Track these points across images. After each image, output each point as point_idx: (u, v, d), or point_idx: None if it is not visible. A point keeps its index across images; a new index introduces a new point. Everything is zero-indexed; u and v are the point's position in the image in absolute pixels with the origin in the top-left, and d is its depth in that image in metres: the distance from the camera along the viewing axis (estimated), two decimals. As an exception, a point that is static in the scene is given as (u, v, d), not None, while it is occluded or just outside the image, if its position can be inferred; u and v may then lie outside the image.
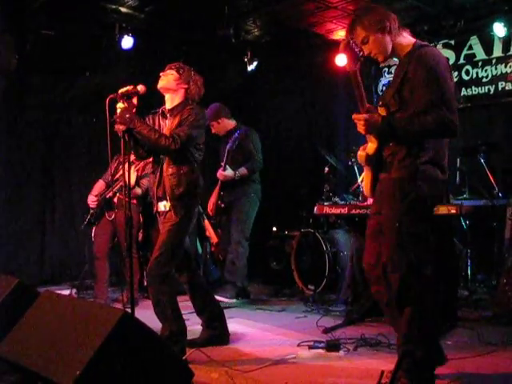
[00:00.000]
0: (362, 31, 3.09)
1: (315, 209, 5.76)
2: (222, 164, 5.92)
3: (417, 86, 2.94)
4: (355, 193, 5.59)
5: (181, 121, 3.92)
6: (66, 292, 6.08)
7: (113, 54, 6.75)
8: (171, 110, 4.05)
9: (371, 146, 3.11)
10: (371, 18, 3.08)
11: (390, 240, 3.02)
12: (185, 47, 7.02)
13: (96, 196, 5.77)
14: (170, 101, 4.06)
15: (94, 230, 5.77)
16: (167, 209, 3.98)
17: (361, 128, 3.06)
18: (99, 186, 5.86)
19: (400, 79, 3.04)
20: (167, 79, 4.03)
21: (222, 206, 6.03)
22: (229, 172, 5.90)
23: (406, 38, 3.15)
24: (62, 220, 6.26)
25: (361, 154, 3.22)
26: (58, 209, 7.04)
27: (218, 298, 5.32)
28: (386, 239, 3.04)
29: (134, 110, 3.71)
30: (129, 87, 3.69)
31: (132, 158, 5.62)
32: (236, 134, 5.84)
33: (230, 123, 6.08)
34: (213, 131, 6.03)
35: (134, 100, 3.71)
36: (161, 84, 4.05)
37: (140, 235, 6.22)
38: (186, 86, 4.03)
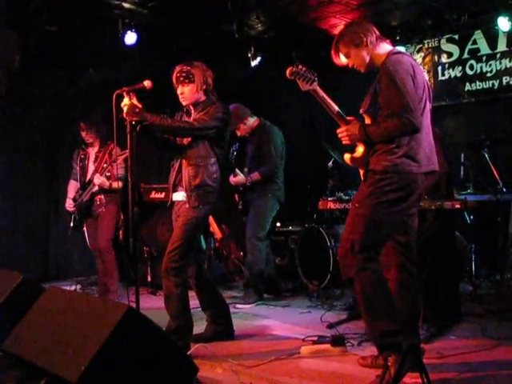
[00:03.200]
0: (344, 47, 3.46)
1: (319, 204, 5.75)
2: (246, 169, 5.80)
3: (382, 94, 3.25)
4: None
5: (203, 114, 4.01)
6: (71, 288, 6.09)
7: (116, 50, 6.74)
8: (195, 106, 4.09)
9: (359, 149, 3.39)
10: (349, 35, 3.42)
11: (348, 219, 3.37)
12: (188, 43, 7.01)
13: (73, 199, 5.66)
14: (188, 100, 4.10)
15: (85, 231, 5.70)
16: (183, 199, 4.01)
17: (345, 141, 3.39)
18: (73, 187, 5.75)
19: (374, 88, 3.33)
20: (189, 95, 4.04)
21: (240, 207, 5.90)
22: (240, 178, 5.72)
23: (383, 49, 3.41)
24: (66, 216, 6.27)
25: (346, 156, 3.48)
26: (61, 204, 7.03)
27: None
28: (348, 219, 3.37)
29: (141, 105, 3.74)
30: (129, 92, 3.70)
31: (93, 151, 5.66)
32: (255, 137, 5.75)
33: (254, 121, 5.88)
34: (239, 134, 5.86)
35: (134, 100, 3.71)
36: (185, 102, 4.08)
37: (121, 233, 6.18)
38: (204, 87, 4.06)
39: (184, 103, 4.11)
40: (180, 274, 3.93)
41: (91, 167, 5.62)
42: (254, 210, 5.75)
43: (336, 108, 3.43)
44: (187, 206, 3.97)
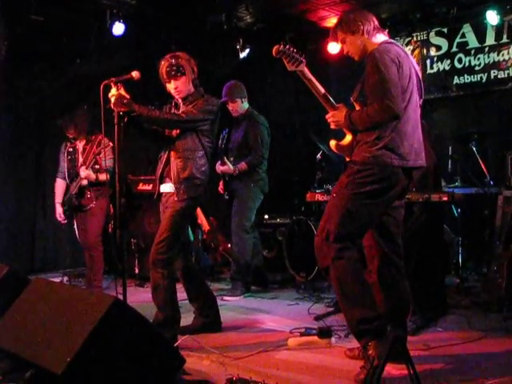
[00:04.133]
0: (340, 33, 3.46)
1: (307, 196, 5.76)
2: (232, 158, 5.75)
3: (367, 80, 3.25)
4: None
5: (192, 106, 4.00)
6: (58, 280, 6.06)
7: (104, 41, 6.68)
8: (184, 99, 4.08)
9: (347, 137, 3.41)
10: (347, 21, 3.43)
11: (327, 208, 3.40)
12: (176, 34, 6.97)
13: (62, 205, 5.57)
14: (183, 93, 4.08)
15: (75, 224, 5.63)
16: (171, 190, 4.00)
17: (332, 125, 3.42)
18: (60, 187, 5.64)
19: (363, 77, 3.32)
20: (183, 88, 4.03)
21: (226, 197, 5.85)
22: (227, 167, 5.67)
23: (378, 39, 3.42)
24: (52, 208, 6.23)
25: (332, 143, 3.50)
26: (48, 196, 6.99)
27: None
28: (326, 208, 3.41)
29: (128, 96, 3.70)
30: (115, 85, 3.66)
31: (80, 144, 5.59)
32: (243, 125, 5.72)
33: (243, 107, 5.84)
34: (229, 107, 5.82)
35: (122, 91, 3.67)
36: (180, 95, 4.06)
37: (110, 226, 6.14)
38: (192, 77, 4.05)
39: (179, 96, 4.08)
40: (167, 266, 3.92)
41: (80, 160, 5.57)
42: (238, 201, 5.74)
43: (322, 90, 3.43)
44: (175, 198, 3.97)
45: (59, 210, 5.61)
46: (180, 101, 4.11)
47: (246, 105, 5.87)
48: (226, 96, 5.74)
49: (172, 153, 4.02)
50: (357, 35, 3.40)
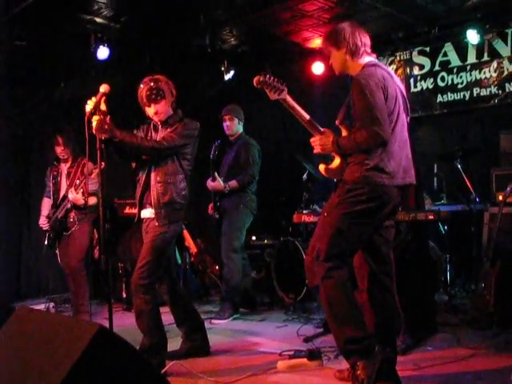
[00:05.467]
0: (326, 44, 3.47)
1: (294, 217, 5.75)
2: (222, 177, 5.74)
3: (354, 106, 3.25)
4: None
5: (171, 131, 3.99)
6: (45, 306, 5.98)
7: (88, 65, 6.68)
8: (163, 123, 4.07)
9: (336, 161, 3.41)
10: (335, 35, 3.41)
11: (317, 227, 3.42)
12: (160, 57, 6.99)
13: (47, 217, 5.56)
14: (163, 116, 4.07)
15: (58, 252, 5.53)
16: (152, 216, 3.96)
17: (316, 150, 3.42)
18: (47, 204, 5.65)
19: (348, 100, 3.34)
20: (163, 111, 4.03)
21: (217, 216, 5.84)
22: (218, 184, 5.70)
23: (363, 60, 3.39)
24: (39, 233, 6.17)
25: (321, 167, 3.50)
26: (34, 220, 6.93)
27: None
28: (317, 227, 3.44)
29: (109, 118, 3.62)
30: (94, 98, 3.57)
31: (65, 167, 5.57)
32: (216, 143, 5.75)
33: (238, 129, 5.95)
34: (225, 124, 5.89)
35: (103, 106, 3.58)
36: (160, 118, 4.05)
37: (96, 252, 6.09)
38: (172, 100, 4.06)
39: (158, 119, 4.08)
40: (149, 291, 3.87)
41: (64, 183, 5.53)
42: (227, 221, 5.75)
43: (307, 116, 3.44)
44: (155, 223, 3.93)
45: (43, 220, 5.59)
46: (159, 123, 4.09)
47: (240, 128, 5.97)
48: (225, 112, 5.85)
49: (152, 176, 3.99)
50: (341, 51, 3.40)
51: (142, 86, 4.01)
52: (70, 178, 5.48)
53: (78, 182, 5.33)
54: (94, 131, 3.57)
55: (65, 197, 5.44)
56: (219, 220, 5.83)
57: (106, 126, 3.60)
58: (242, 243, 5.78)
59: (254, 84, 3.37)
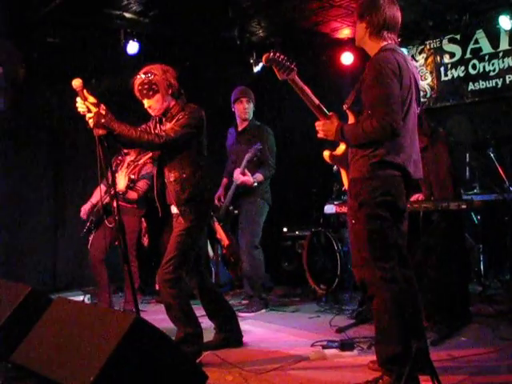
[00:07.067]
0: (355, 12, 3.34)
1: (325, 208, 5.74)
2: (241, 168, 5.48)
3: (366, 92, 3.09)
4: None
5: (174, 123, 3.83)
6: (80, 298, 6.09)
7: (119, 60, 6.76)
8: (164, 115, 3.92)
9: (341, 147, 3.33)
10: (362, 5, 3.27)
11: (350, 237, 3.25)
12: (190, 50, 7.03)
13: (92, 203, 5.65)
14: (157, 111, 3.92)
15: (91, 238, 5.61)
16: (177, 212, 3.94)
17: (320, 134, 3.30)
18: (98, 192, 5.59)
19: (360, 83, 3.17)
20: (157, 106, 3.84)
21: (235, 212, 5.76)
22: (248, 178, 5.47)
23: (381, 40, 3.21)
24: (74, 226, 6.28)
25: (325, 154, 3.42)
26: (69, 215, 7.06)
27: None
28: (351, 237, 3.26)
29: (103, 106, 3.46)
30: (78, 99, 3.39)
31: (128, 159, 5.65)
32: (257, 145, 5.46)
33: (251, 113, 5.69)
34: (239, 107, 5.66)
35: (90, 99, 3.40)
36: (155, 113, 3.89)
37: (145, 240, 6.14)
38: (170, 92, 3.85)
39: (154, 114, 3.93)
40: (175, 286, 3.84)
41: (121, 173, 5.59)
42: (245, 218, 5.60)
43: (316, 101, 3.32)
44: (181, 219, 3.89)
45: (87, 206, 5.68)
46: (162, 116, 3.93)
47: (252, 113, 5.75)
48: (242, 94, 5.63)
49: (166, 173, 3.89)
50: (362, 25, 3.23)
51: (134, 80, 3.83)
52: (129, 170, 5.56)
53: (132, 176, 5.43)
54: (91, 127, 3.42)
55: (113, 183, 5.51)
56: (237, 215, 5.75)
57: (103, 120, 3.42)
58: (260, 237, 5.62)
59: (263, 61, 3.25)
